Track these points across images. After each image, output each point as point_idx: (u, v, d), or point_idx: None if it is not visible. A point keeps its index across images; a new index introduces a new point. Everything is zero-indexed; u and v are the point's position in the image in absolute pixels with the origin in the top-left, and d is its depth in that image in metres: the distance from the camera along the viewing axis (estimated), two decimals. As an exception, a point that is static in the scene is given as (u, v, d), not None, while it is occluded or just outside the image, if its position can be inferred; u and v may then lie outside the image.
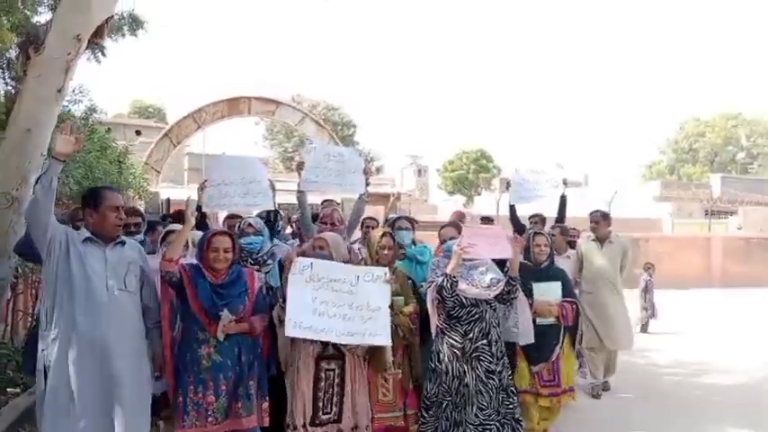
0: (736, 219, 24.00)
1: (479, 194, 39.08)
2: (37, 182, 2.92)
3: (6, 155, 4.44)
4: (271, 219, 4.56)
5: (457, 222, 5.38)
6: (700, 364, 7.44)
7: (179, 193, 15.08)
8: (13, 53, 5.90)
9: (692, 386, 6.40)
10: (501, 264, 3.88)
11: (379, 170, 40.17)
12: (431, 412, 3.72)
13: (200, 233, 4.13)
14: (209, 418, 3.22)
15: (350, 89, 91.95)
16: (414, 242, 4.87)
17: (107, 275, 3.02)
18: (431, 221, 16.82)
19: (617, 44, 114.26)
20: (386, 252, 3.85)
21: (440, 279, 3.72)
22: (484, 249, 3.73)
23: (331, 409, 3.44)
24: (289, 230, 5.63)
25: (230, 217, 4.99)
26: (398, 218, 5.18)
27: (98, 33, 4.66)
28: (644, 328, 10.25)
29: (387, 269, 3.64)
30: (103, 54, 6.56)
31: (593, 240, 6.11)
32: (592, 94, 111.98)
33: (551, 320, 4.27)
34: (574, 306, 4.39)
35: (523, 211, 5.94)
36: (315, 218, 4.71)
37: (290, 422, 3.44)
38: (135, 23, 7.27)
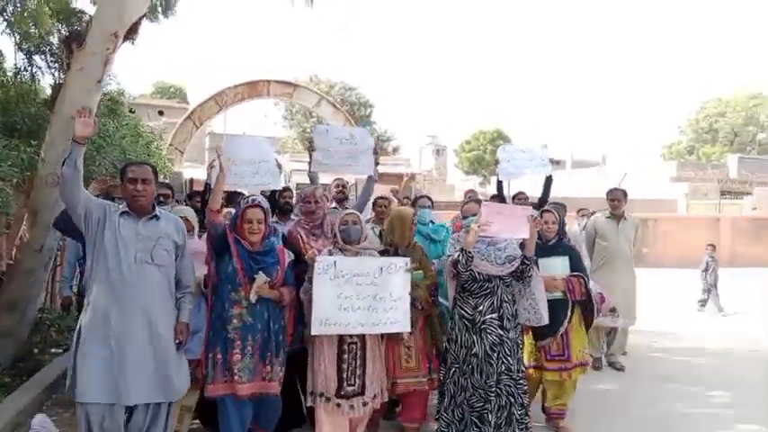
0: (751, 199, 23.83)
1: (496, 174, 39.03)
2: (63, 164, 3.05)
3: (53, 139, 4.92)
4: (275, 197, 4.73)
5: (480, 199, 5.53)
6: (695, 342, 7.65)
7: (200, 172, 15.57)
8: (53, 39, 6.34)
9: (695, 367, 6.39)
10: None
11: (395, 150, 40.34)
12: (446, 378, 3.89)
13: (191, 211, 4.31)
14: (235, 377, 3.36)
15: (368, 69, 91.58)
16: (432, 221, 5.04)
17: (137, 248, 3.13)
18: (448, 201, 17.27)
19: (640, 22, 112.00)
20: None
21: (456, 254, 3.84)
22: (500, 228, 3.75)
23: (354, 382, 3.56)
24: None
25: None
26: (421, 196, 5.38)
27: (133, 29, 5.15)
28: (702, 306, 10.44)
29: (408, 259, 3.75)
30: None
31: (609, 218, 6.11)
32: (612, 74, 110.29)
33: (558, 295, 4.20)
34: (581, 280, 4.27)
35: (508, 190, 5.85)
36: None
37: (315, 391, 3.57)
38: (167, 4, 7.41)
